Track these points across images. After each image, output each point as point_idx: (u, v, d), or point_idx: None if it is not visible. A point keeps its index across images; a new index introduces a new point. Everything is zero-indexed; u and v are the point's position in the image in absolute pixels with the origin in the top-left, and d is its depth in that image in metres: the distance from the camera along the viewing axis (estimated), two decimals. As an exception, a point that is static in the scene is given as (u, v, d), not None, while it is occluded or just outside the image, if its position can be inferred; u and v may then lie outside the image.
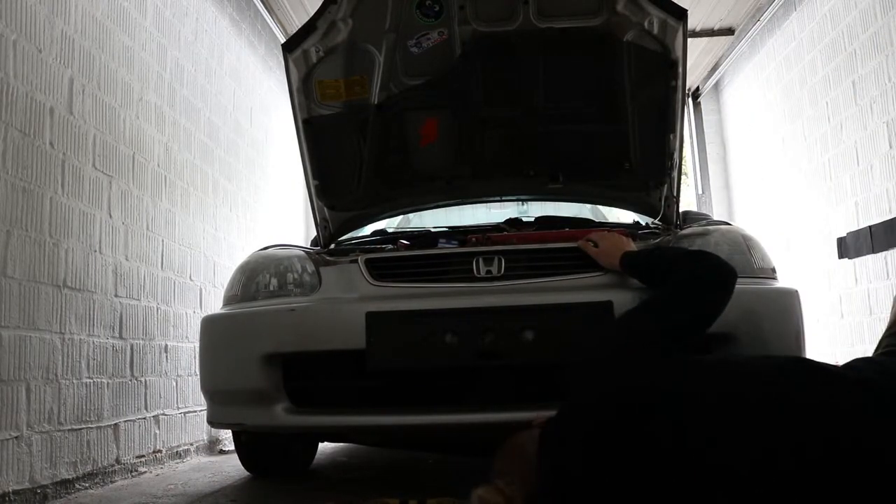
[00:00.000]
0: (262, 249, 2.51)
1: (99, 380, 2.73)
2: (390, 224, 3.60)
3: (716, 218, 4.13)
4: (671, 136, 2.55)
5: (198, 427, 3.59)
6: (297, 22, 5.04)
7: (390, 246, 2.52)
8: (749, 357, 1.47)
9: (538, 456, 1.39)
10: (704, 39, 5.90)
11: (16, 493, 2.23)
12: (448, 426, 2.00)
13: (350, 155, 2.83)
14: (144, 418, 3.06)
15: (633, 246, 2.09)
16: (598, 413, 1.35)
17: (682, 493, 1.22)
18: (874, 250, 3.98)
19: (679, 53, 2.39)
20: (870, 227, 4.01)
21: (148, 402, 3.10)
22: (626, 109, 2.71)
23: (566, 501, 1.34)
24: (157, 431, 3.18)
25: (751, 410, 1.23)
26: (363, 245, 2.67)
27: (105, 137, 2.84)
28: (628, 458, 1.27)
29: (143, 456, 3.04)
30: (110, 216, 2.86)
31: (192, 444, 3.52)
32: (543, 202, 3.41)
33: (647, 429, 1.26)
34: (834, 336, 4.49)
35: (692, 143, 6.85)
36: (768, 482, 1.17)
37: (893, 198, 3.80)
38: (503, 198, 3.36)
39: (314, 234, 3.00)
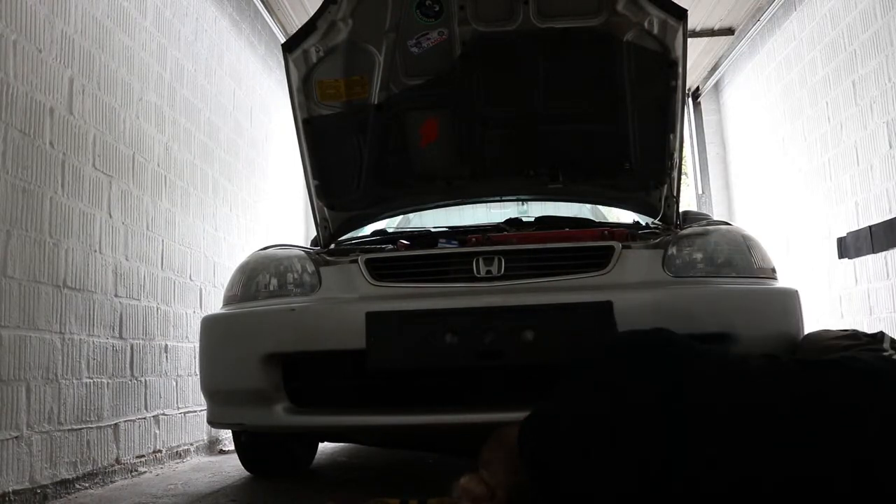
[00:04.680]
0: (262, 249, 2.51)
1: (99, 380, 2.73)
2: (390, 224, 3.60)
3: (716, 218, 4.14)
4: (671, 136, 2.55)
5: (198, 427, 3.59)
6: (297, 22, 5.04)
7: (390, 246, 2.52)
8: (746, 358, 1.48)
9: (518, 445, 1.40)
10: (704, 39, 5.90)
11: (16, 493, 2.23)
12: (448, 426, 2.00)
13: (350, 155, 2.83)
14: (144, 418, 3.06)
15: None
16: (579, 409, 1.36)
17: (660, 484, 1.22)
18: (874, 250, 3.97)
19: (679, 53, 2.39)
20: (870, 227, 4.01)
21: (148, 402, 3.10)
22: (627, 109, 2.71)
23: (546, 490, 1.34)
24: (157, 431, 3.18)
25: (742, 419, 1.24)
26: (363, 245, 2.67)
27: (105, 137, 2.84)
28: (609, 455, 1.28)
29: (143, 456, 3.03)
30: (110, 216, 2.86)
31: (192, 444, 3.52)
32: (543, 202, 3.41)
33: (631, 427, 1.27)
34: (834, 336, 4.49)
35: (692, 143, 6.84)
36: (759, 491, 1.18)
37: (893, 198, 3.80)
38: (503, 198, 3.36)
39: (314, 234, 3.00)
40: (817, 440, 1.17)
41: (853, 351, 1.68)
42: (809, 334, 2.09)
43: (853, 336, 1.90)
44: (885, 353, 1.69)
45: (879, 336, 1.83)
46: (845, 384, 1.25)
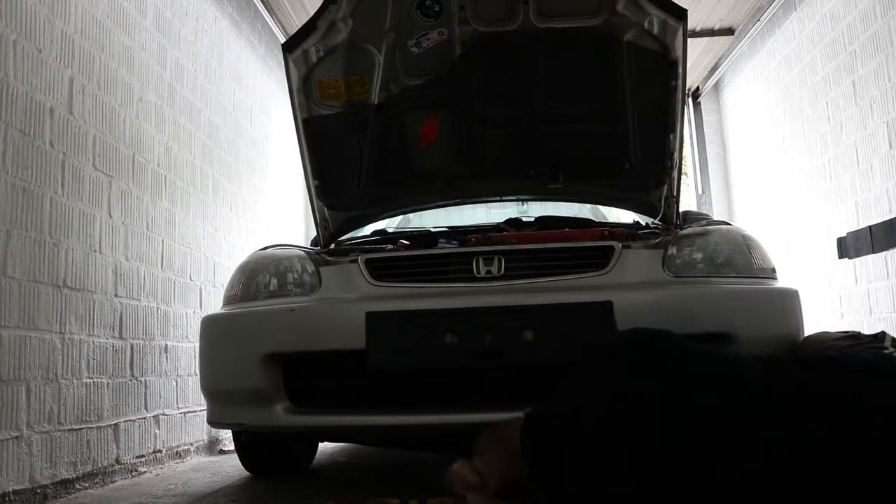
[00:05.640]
0: (262, 249, 2.51)
1: (99, 380, 2.73)
2: (390, 224, 3.60)
3: (716, 218, 4.13)
4: (671, 136, 2.55)
5: (198, 427, 3.59)
6: (297, 22, 5.04)
7: (390, 246, 2.52)
8: (747, 357, 1.48)
9: (520, 442, 1.41)
10: (704, 39, 5.90)
11: (16, 493, 2.23)
12: (448, 426, 2.00)
13: (350, 155, 2.83)
14: (144, 418, 3.06)
15: None
16: (583, 408, 1.36)
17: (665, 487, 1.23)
18: (874, 250, 3.97)
19: (679, 53, 2.39)
20: (870, 227, 4.01)
21: (148, 402, 3.10)
22: (627, 109, 2.71)
23: (548, 487, 1.35)
24: (157, 431, 3.18)
25: (741, 417, 1.24)
26: (363, 245, 2.67)
27: (105, 137, 2.84)
28: (607, 452, 1.28)
29: (143, 456, 3.03)
30: (110, 216, 2.86)
31: (192, 444, 3.52)
32: (543, 202, 3.41)
33: (627, 426, 1.27)
34: (834, 336, 4.48)
35: (692, 143, 6.84)
36: (755, 483, 1.18)
37: (893, 198, 3.80)
38: (503, 198, 3.36)
39: (314, 234, 3.00)
40: (818, 438, 1.17)
41: (854, 349, 1.68)
42: (809, 336, 2.09)
43: (854, 336, 1.90)
44: (887, 351, 1.70)
45: (881, 335, 1.84)
46: (845, 381, 1.25)
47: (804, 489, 1.16)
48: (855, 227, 4.18)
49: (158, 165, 3.29)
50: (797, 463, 1.16)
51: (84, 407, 2.62)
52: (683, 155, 2.90)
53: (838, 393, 1.23)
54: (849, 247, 4.26)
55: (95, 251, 2.74)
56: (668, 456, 1.22)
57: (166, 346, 3.29)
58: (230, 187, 4.19)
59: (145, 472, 3.01)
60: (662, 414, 1.26)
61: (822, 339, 1.98)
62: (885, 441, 1.15)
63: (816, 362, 1.38)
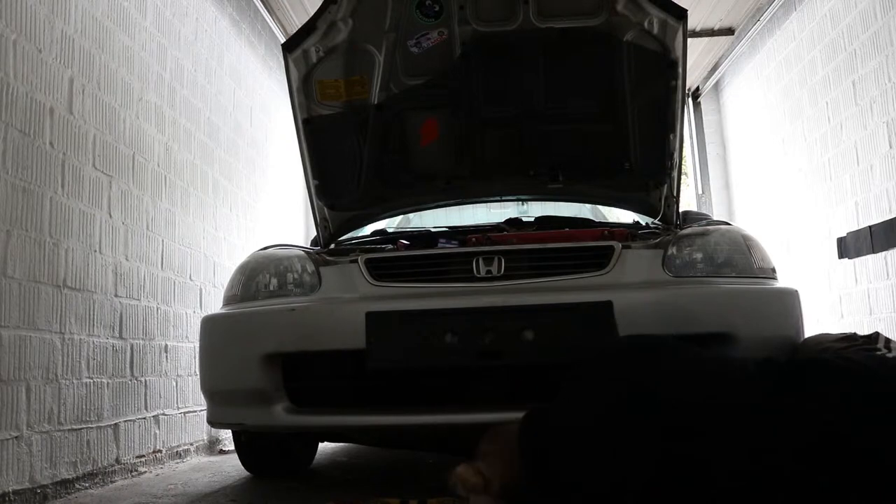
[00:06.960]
0: (262, 249, 2.51)
1: (99, 380, 2.73)
2: (390, 224, 3.60)
3: (716, 218, 4.13)
4: (671, 136, 2.55)
5: (198, 427, 3.59)
6: (297, 22, 5.04)
7: (390, 246, 2.52)
8: (735, 360, 1.49)
9: (518, 441, 1.42)
10: (704, 39, 5.90)
11: (16, 493, 2.23)
12: (448, 426, 2.01)
13: (350, 155, 2.83)
14: (144, 418, 3.06)
15: None
16: (578, 410, 1.37)
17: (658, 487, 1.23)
18: (874, 250, 3.97)
19: (679, 53, 2.39)
20: (870, 227, 4.01)
21: (148, 402, 3.10)
22: (626, 109, 2.71)
23: (543, 486, 1.35)
24: (157, 431, 3.18)
25: (731, 420, 1.25)
26: (363, 245, 2.67)
27: (105, 137, 2.84)
28: (604, 452, 1.29)
29: (143, 456, 3.03)
30: (110, 216, 2.86)
31: (192, 444, 3.52)
32: (543, 202, 3.41)
33: (629, 427, 1.28)
34: (834, 336, 4.47)
35: (692, 143, 6.84)
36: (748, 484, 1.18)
37: (893, 198, 3.79)
38: (503, 198, 3.36)
39: (314, 234, 3.00)
40: (809, 441, 1.17)
41: (847, 351, 1.69)
42: (808, 337, 2.09)
43: (850, 338, 1.91)
44: (879, 353, 1.70)
45: (874, 336, 1.84)
46: (835, 384, 1.25)
47: (797, 492, 1.16)
48: (855, 227, 4.18)
49: (158, 165, 3.29)
50: (789, 466, 1.17)
51: (84, 407, 2.62)
52: (683, 155, 2.91)
53: (828, 396, 1.23)
54: (849, 247, 4.26)
55: (95, 251, 2.74)
56: (664, 458, 1.23)
57: (166, 346, 3.29)
58: (230, 187, 4.20)
59: (145, 472, 3.01)
60: (659, 417, 1.26)
61: (819, 341, 1.99)
62: (875, 443, 1.15)
63: (809, 365, 1.38)
